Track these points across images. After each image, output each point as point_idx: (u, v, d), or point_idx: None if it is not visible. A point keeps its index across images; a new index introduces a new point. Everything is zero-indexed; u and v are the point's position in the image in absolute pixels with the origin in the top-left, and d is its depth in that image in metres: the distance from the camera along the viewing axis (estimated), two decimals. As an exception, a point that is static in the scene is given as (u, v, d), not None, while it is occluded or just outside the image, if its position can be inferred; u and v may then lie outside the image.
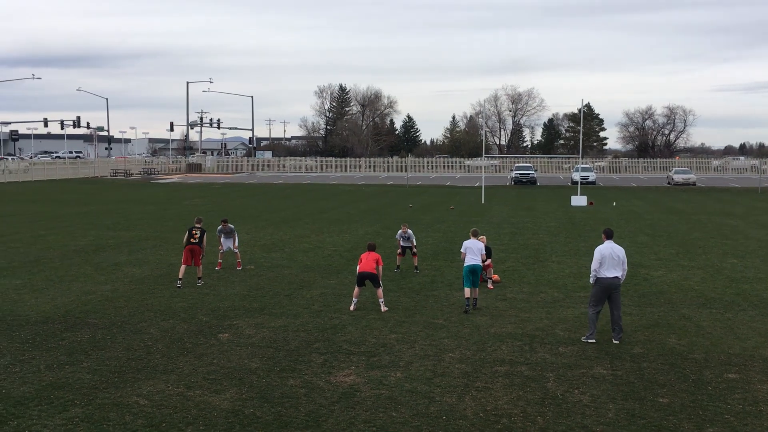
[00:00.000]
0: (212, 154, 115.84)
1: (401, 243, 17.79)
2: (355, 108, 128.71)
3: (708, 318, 13.09)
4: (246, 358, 10.61)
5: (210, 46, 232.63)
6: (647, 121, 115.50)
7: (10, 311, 13.41)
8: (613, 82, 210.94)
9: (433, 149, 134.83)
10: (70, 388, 9.30)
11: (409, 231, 17.74)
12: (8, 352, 10.85)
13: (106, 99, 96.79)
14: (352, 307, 13.61)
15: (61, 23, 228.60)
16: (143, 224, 28.36)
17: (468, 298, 13.47)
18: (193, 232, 15.96)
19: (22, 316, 13.01)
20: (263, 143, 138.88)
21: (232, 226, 18.07)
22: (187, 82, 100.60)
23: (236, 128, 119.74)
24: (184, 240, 16.03)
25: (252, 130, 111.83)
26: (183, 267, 15.79)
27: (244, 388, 9.31)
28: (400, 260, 17.86)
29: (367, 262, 13.61)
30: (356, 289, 13.74)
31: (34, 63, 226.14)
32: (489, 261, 15.89)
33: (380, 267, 13.82)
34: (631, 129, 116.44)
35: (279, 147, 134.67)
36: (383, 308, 13.51)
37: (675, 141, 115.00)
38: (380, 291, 13.65)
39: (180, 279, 15.67)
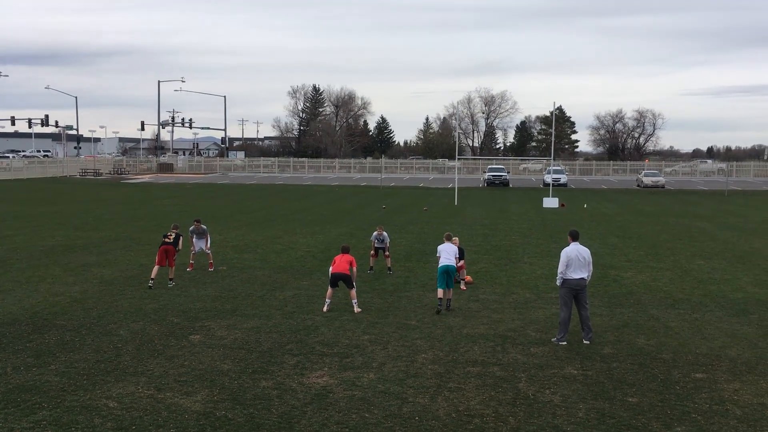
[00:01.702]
0: (184, 154, 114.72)
1: (375, 244, 17.80)
2: (328, 109, 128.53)
3: (676, 318, 13.30)
4: (218, 359, 10.53)
5: (182, 44, 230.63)
6: (617, 124, 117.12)
7: (-24, 313, 13.15)
8: (585, 86, 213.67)
9: (407, 150, 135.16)
10: (38, 390, 9.15)
11: (384, 233, 17.73)
12: (-27, 354, 10.64)
13: (76, 97, 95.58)
14: (325, 308, 13.59)
15: (31, 20, 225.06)
16: (113, 225, 28.00)
17: (441, 299, 13.53)
18: (168, 233, 15.95)
19: (-13, 318, 12.75)
20: (236, 143, 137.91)
21: (205, 227, 17.91)
22: (159, 81, 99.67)
23: (208, 128, 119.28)
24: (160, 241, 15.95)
25: (225, 130, 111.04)
26: (156, 267, 15.64)
27: (215, 390, 9.24)
28: (374, 261, 17.86)
29: (340, 263, 13.58)
30: (329, 290, 13.71)
31: (2, 60, 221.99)
32: (462, 262, 15.97)
33: (354, 268, 13.83)
34: (602, 132, 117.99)
35: (252, 147, 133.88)
36: (356, 309, 13.51)
37: (644, 144, 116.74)
38: (353, 292, 13.65)
39: (152, 279, 15.51)
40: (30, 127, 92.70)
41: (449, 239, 14.37)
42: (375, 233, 17.85)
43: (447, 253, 13.83)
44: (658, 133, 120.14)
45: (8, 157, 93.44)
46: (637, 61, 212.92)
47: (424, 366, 10.33)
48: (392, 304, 14.29)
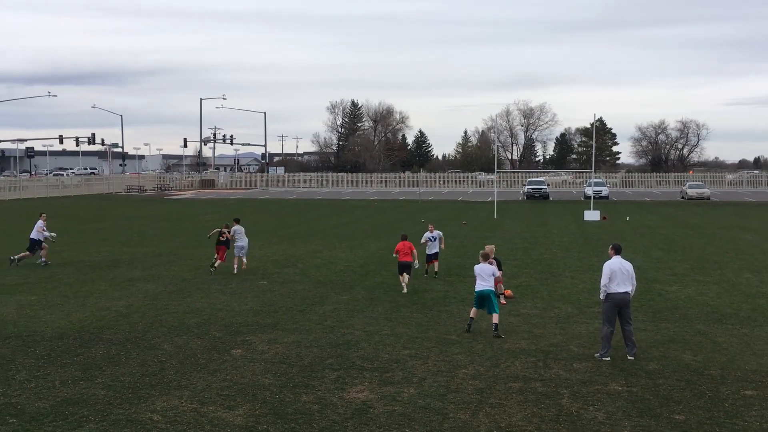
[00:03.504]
0: (225, 170, 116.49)
1: (428, 251, 18.77)
2: (367, 123, 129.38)
3: (724, 334, 12.97)
4: (259, 374, 10.61)
5: (223, 62, 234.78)
6: (660, 136, 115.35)
7: (26, 327, 13.51)
8: (626, 97, 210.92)
9: (445, 164, 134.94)
10: (85, 403, 9.34)
11: (437, 231, 19.00)
12: (24, 367, 10.92)
13: (121, 116, 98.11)
14: (405, 290, 16.63)
15: (78, 41, 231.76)
16: (157, 240, 28.52)
17: (472, 318, 13.19)
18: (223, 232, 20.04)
19: (37, 332, 13.10)
20: (276, 159, 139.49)
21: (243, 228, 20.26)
22: (201, 99, 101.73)
23: (249, 144, 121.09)
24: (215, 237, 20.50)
25: (264, 146, 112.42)
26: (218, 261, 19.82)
27: (257, 404, 9.31)
28: (429, 267, 19.05)
29: (405, 251, 16.66)
30: (401, 276, 16.94)
31: (51, 81, 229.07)
32: (499, 274, 15.73)
33: (415, 253, 16.98)
34: (644, 143, 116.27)
35: (291, 163, 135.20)
36: (405, 290, 16.50)
37: (688, 155, 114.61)
38: (408, 278, 16.79)
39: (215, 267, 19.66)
40: (77, 145, 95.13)
41: (485, 259, 13.29)
42: (427, 233, 18.84)
43: (482, 277, 13.00)
44: (703, 144, 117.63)
45: (62, 174, 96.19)
46: (680, 71, 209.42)
47: (464, 381, 10.25)
48: (432, 318, 14.24)
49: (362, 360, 11.31)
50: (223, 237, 19.91)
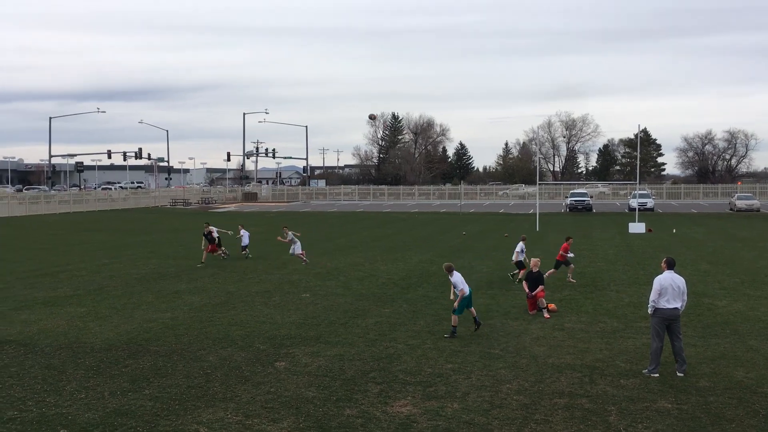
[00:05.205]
0: (267, 183, 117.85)
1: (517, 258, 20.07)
2: (407, 136, 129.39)
3: (778, 350, 12.57)
4: (303, 386, 10.67)
5: (266, 77, 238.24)
6: (707, 146, 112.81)
7: (76, 338, 13.84)
8: (670, 107, 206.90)
9: (486, 176, 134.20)
10: (133, 415, 9.51)
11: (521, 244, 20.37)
12: (74, 378, 11.18)
13: (167, 131, 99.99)
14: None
15: (126, 58, 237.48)
16: (201, 253, 28.93)
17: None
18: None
19: (87, 344, 13.40)
20: (317, 172, 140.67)
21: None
22: (244, 113, 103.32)
23: (291, 157, 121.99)
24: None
25: (306, 159, 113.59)
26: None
27: (301, 418, 9.36)
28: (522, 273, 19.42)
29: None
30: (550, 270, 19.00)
31: (100, 97, 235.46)
32: (540, 289, 15.64)
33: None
34: (690, 154, 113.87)
35: (332, 176, 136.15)
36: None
37: (736, 166, 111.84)
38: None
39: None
40: (125, 159, 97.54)
41: (448, 271, 14.29)
42: (521, 244, 20.30)
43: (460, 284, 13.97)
44: (751, 155, 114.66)
45: (110, 188, 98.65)
46: (726, 80, 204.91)
47: (509, 396, 10.14)
48: (474, 332, 14.13)
49: (405, 374, 11.28)
50: (206, 231, 25.46)
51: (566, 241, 21.02)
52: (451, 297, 14.44)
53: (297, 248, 24.52)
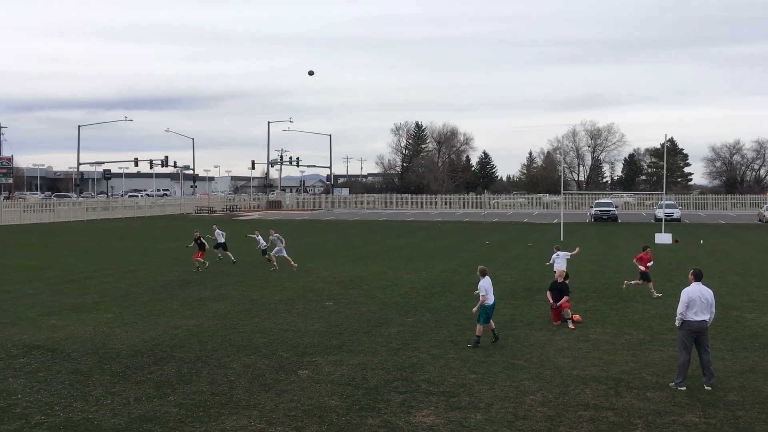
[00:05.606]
0: (291, 192, 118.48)
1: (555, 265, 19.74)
2: (431, 145, 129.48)
3: (809, 364, 12.32)
4: (325, 395, 10.68)
5: (290, 86, 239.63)
6: (735, 156, 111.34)
7: (102, 344, 14.00)
8: (697, 116, 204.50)
9: (510, 185, 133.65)
10: (158, 421, 9.58)
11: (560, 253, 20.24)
12: (100, 384, 11.31)
13: (192, 139, 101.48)
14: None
15: (153, 68, 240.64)
16: (226, 260, 29.16)
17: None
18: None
19: (113, 350, 13.55)
20: (340, 180, 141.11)
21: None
22: (269, 122, 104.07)
23: (314, 166, 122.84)
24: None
25: (330, 167, 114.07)
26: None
27: (324, 426, 9.36)
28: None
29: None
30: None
31: (128, 106, 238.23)
32: (564, 299, 15.51)
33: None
34: (718, 164, 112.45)
35: (356, 184, 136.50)
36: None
37: (765, 176, 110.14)
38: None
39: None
40: (151, 167, 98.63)
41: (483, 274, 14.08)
42: (564, 253, 20.31)
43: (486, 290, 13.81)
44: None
45: (137, 195, 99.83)
46: (755, 89, 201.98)
47: (533, 408, 10.06)
48: (498, 342, 14.05)
49: (428, 383, 11.24)
50: (196, 236, 26.80)
51: (644, 251, 20.20)
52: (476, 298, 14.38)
53: (282, 251, 25.91)
